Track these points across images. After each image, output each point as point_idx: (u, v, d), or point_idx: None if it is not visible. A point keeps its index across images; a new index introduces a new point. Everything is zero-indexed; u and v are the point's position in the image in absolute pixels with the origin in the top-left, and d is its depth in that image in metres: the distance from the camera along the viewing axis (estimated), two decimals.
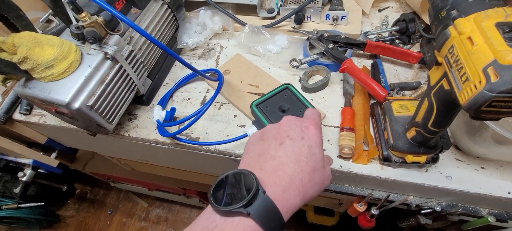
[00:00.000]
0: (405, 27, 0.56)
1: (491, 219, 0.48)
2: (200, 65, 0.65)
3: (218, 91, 0.52)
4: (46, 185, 1.37)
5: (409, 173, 0.46)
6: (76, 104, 0.41)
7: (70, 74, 0.42)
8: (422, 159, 0.42)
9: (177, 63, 0.66)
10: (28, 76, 0.42)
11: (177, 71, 0.65)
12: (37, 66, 0.39)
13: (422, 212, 0.53)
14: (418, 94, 0.52)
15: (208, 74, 0.57)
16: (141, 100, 0.58)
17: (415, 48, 0.59)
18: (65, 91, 0.41)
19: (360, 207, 0.60)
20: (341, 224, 1.25)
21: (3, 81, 0.44)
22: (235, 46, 0.67)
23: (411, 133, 0.41)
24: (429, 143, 0.40)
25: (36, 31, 0.42)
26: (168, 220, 1.49)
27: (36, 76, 0.41)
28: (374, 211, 0.57)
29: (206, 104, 0.51)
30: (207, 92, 0.60)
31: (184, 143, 0.52)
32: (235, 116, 0.56)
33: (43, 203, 1.26)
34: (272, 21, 0.64)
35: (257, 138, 0.33)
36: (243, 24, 0.65)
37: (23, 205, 1.23)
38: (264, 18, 0.66)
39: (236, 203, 0.25)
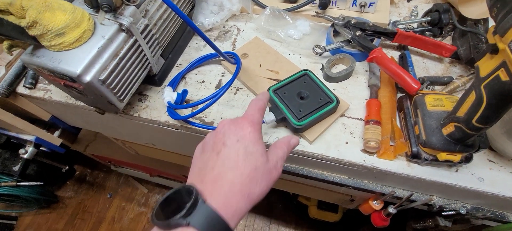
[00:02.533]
0: (438, 18, 0.53)
1: None
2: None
3: (235, 75, 0.49)
4: (45, 164, 1.35)
5: (438, 172, 0.44)
6: (88, 78, 0.38)
7: (82, 44, 0.39)
8: (457, 157, 0.40)
9: (191, 44, 0.63)
10: (36, 43, 0.38)
11: (191, 53, 0.61)
12: (47, 32, 0.36)
13: (443, 213, 0.51)
14: (450, 90, 0.49)
15: (227, 56, 0.54)
16: (153, 80, 0.55)
17: (446, 42, 0.55)
18: (76, 62, 0.38)
19: (376, 205, 0.57)
20: (344, 220, 1.24)
21: (8, 48, 0.40)
22: (253, 30, 0.63)
23: (449, 129, 0.38)
24: (467, 141, 0.37)
25: None
26: None
27: (45, 44, 0.37)
28: (391, 210, 0.55)
29: (222, 89, 0.48)
30: (222, 76, 0.57)
31: (196, 127, 0.49)
32: None
33: (42, 183, 1.24)
34: (294, 4, 0.61)
35: (199, 151, 0.34)
36: (263, 6, 0.61)
37: (22, 184, 1.21)
38: (286, 1, 0.63)
39: (175, 215, 0.25)
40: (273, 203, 1.46)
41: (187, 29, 0.61)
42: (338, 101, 0.47)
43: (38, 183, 1.24)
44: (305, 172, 0.53)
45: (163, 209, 0.27)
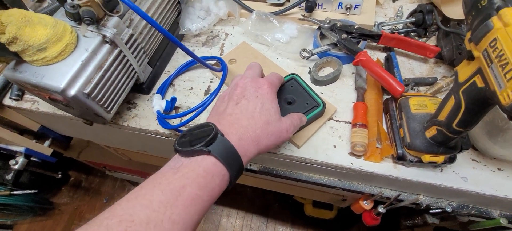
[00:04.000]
0: (422, 19, 0.54)
1: (503, 221, 0.47)
2: (203, 52, 0.61)
3: (222, 83, 0.49)
4: (39, 172, 1.34)
5: (423, 173, 0.44)
6: (72, 92, 0.38)
7: (65, 58, 0.38)
8: (440, 159, 0.40)
9: (179, 50, 0.62)
10: (18, 59, 0.38)
11: (179, 59, 0.61)
12: (28, 48, 0.35)
13: (430, 211, 0.52)
14: (434, 91, 0.49)
15: (212, 63, 0.54)
16: (141, 88, 0.54)
17: (431, 42, 0.56)
18: (59, 76, 0.37)
19: (367, 205, 0.58)
20: (339, 217, 1.25)
21: None
22: (241, 34, 0.63)
23: (431, 132, 0.38)
24: (450, 143, 0.38)
25: (26, 9, 0.38)
26: None
27: (27, 59, 0.37)
28: (381, 209, 0.56)
29: (210, 96, 0.48)
30: (211, 82, 0.57)
31: None
32: None
33: (36, 191, 1.23)
34: (281, 8, 0.61)
35: (220, 99, 0.38)
36: (250, 10, 0.61)
37: (15, 192, 1.20)
38: (272, 4, 0.63)
39: (197, 144, 0.29)
40: (269, 202, 1.47)
41: (175, 35, 0.61)
42: (324, 105, 0.47)
43: (32, 191, 1.23)
44: (295, 175, 0.54)
45: (185, 138, 0.31)
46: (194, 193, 0.28)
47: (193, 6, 0.63)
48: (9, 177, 1.25)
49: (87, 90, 0.40)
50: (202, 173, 0.28)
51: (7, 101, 0.58)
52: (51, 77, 0.37)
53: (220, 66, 0.52)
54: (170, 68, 0.60)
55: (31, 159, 0.75)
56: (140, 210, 0.25)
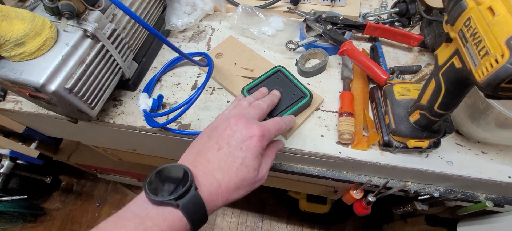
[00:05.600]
0: (405, 9, 0.54)
1: (489, 204, 0.48)
2: (190, 48, 0.61)
3: (208, 78, 0.49)
4: (28, 177, 1.31)
5: (410, 159, 0.45)
6: (53, 87, 0.37)
7: (44, 53, 0.38)
8: (425, 143, 0.41)
9: (165, 46, 0.62)
10: None
11: (166, 55, 0.60)
12: (4, 42, 0.35)
13: (419, 198, 0.53)
14: (419, 78, 0.50)
15: (198, 59, 0.53)
16: (127, 85, 0.54)
17: (415, 31, 0.57)
18: (39, 71, 0.37)
19: (357, 194, 0.58)
20: (333, 211, 1.26)
21: None
22: (227, 28, 0.63)
23: (415, 117, 0.39)
24: (433, 127, 0.39)
25: (3, 4, 0.37)
26: None
27: (5, 54, 0.36)
28: (371, 198, 0.56)
29: (196, 92, 0.47)
30: (198, 76, 0.56)
31: (174, 133, 0.49)
32: (228, 101, 0.53)
33: (26, 196, 1.21)
34: (267, 1, 0.61)
35: (207, 132, 0.35)
36: (236, 4, 0.61)
37: (4, 199, 1.17)
38: None
39: (169, 195, 0.27)
40: (264, 199, 1.47)
41: (161, 31, 0.60)
42: (311, 95, 0.47)
43: (22, 197, 1.20)
44: (285, 167, 0.54)
45: (157, 177, 0.29)
46: None
47: (178, 1, 0.63)
48: None
49: (68, 86, 0.39)
50: (166, 228, 0.27)
51: None
52: (30, 72, 0.37)
53: (206, 61, 0.52)
54: (157, 64, 0.59)
55: (18, 162, 0.73)
56: None
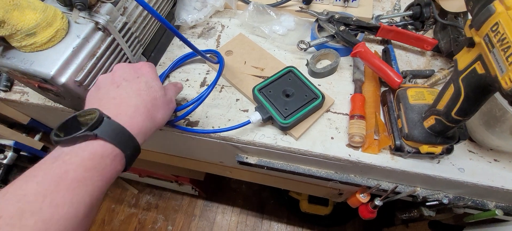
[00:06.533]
0: (419, 12, 0.54)
1: (499, 212, 0.47)
2: (199, 44, 0.60)
3: (218, 75, 0.48)
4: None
5: (421, 164, 0.44)
6: (63, 79, 0.37)
7: (55, 44, 0.37)
8: (438, 149, 0.40)
9: (174, 41, 0.61)
10: (6, 44, 0.36)
11: (175, 50, 0.60)
12: (16, 32, 0.34)
13: (427, 204, 0.52)
14: (431, 83, 0.49)
15: (207, 55, 0.53)
16: None
17: (428, 35, 0.56)
18: (50, 63, 0.36)
19: (363, 198, 0.58)
20: (334, 213, 1.25)
21: None
22: (237, 26, 0.62)
23: (430, 122, 0.38)
24: (448, 133, 0.38)
25: None
26: (158, 207, 1.46)
27: (16, 44, 0.36)
28: (377, 202, 0.56)
29: (206, 90, 0.46)
30: (207, 73, 0.56)
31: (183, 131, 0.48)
32: (237, 100, 0.52)
33: None
34: (278, 0, 0.60)
35: (93, 90, 0.35)
36: (247, 2, 0.60)
37: None
38: None
39: (80, 131, 0.26)
40: (264, 198, 1.47)
41: None
42: (323, 97, 0.47)
43: None
44: (292, 168, 0.54)
45: (64, 127, 0.27)
46: (80, 175, 0.25)
47: None
48: None
49: (78, 78, 0.38)
50: (88, 155, 0.26)
51: None
52: (40, 63, 0.36)
53: (216, 58, 0.51)
54: (165, 60, 0.58)
55: (21, 153, 0.73)
56: (11, 204, 0.22)
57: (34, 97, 0.55)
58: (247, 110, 0.51)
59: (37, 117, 0.67)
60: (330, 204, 1.23)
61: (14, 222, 0.21)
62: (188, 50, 0.59)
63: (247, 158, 0.56)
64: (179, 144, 0.61)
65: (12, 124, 0.69)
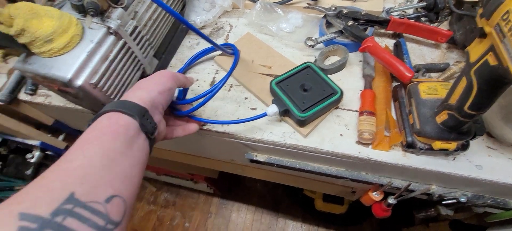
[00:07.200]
0: (433, 3, 0.51)
1: None
2: (209, 45, 0.61)
3: (234, 65, 0.48)
4: None
5: (435, 161, 0.43)
6: (79, 82, 0.39)
7: (71, 49, 0.39)
8: (452, 145, 0.39)
9: (184, 43, 0.63)
10: (27, 51, 0.39)
11: (185, 51, 0.61)
12: (35, 39, 0.36)
13: (443, 202, 0.50)
14: (446, 76, 0.47)
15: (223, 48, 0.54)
16: None
17: (443, 27, 0.54)
18: (66, 67, 0.38)
19: (376, 196, 0.56)
20: (350, 212, 1.23)
21: (3, 56, 0.42)
22: (245, 25, 0.63)
23: (442, 117, 0.37)
24: (462, 128, 0.36)
25: (33, 2, 0.39)
26: (176, 204, 1.50)
27: (36, 51, 0.38)
28: (391, 200, 0.54)
29: (219, 83, 0.46)
30: (216, 73, 0.57)
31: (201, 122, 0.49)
32: (246, 98, 0.53)
33: None
34: None
35: None
36: (254, 1, 0.61)
37: None
38: None
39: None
40: (279, 197, 1.47)
41: (180, 28, 0.61)
42: (342, 92, 0.46)
43: None
44: (302, 166, 0.53)
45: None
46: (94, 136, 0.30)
47: None
48: (28, 172, 1.31)
49: (93, 81, 0.40)
50: (99, 128, 0.31)
51: (22, 96, 0.61)
52: (58, 68, 0.38)
53: (232, 50, 0.52)
54: (176, 61, 0.60)
55: (47, 152, 0.78)
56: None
57: (56, 100, 0.58)
58: (255, 109, 0.51)
59: (60, 118, 0.71)
60: (346, 202, 1.21)
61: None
62: (197, 50, 0.60)
63: (256, 155, 0.56)
64: (193, 142, 0.62)
65: (38, 125, 0.74)
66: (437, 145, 0.39)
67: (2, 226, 0.21)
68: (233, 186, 1.52)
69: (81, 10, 0.40)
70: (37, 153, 0.76)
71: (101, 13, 0.41)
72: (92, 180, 0.27)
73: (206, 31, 0.63)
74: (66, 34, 0.38)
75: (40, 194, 0.24)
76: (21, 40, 0.36)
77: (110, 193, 0.27)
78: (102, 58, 0.41)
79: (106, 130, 0.31)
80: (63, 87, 0.41)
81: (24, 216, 0.22)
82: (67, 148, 0.80)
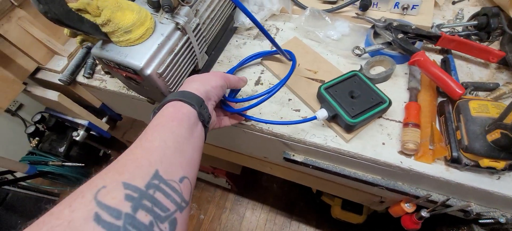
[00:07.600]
0: (486, 22, 0.52)
1: None
2: (254, 46, 0.64)
3: (291, 72, 0.49)
4: (86, 148, 1.47)
5: (478, 179, 0.43)
6: (148, 71, 0.43)
7: (144, 40, 0.43)
8: (500, 164, 0.39)
9: (231, 41, 0.66)
10: (105, 39, 0.43)
11: (231, 49, 0.64)
12: (117, 29, 0.40)
13: (480, 221, 0.50)
14: (495, 97, 0.48)
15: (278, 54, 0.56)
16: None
17: (493, 46, 0.54)
18: (140, 56, 0.42)
19: (408, 208, 0.57)
20: (368, 223, 1.22)
21: (80, 42, 0.46)
22: (291, 29, 0.65)
23: (494, 135, 0.38)
24: None
25: None
26: (193, 196, 1.55)
27: (114, 39, 0.42)
28: (424, 213, 0.55)
29: (276, 86, 0.46)
30: (261, 73, 0.59)
31: (251, 120, 0.52)
32: (289, 100, 0.55)
33: (83, 164, 1.36)
34: (334, 6, 0.62)
35: None
36: (303, 7, 0.63)
37: (66, 164, 1.33)
38: (325, 2, 0.64)
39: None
40: (295, 200, 1.48)
41: (229, 27, 0.65)
42: (390, 102, 0.47)
43: (80, 164, 1.35)
44: (338, 170, 0.55)
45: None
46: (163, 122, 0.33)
47: (247, 0, 0.66)
48: (62, 149, 1.39)
49: (160, 71, 0.44)
50: (166, 114, 0.34)
51: (80, 78, 0.66)
52: (132, 56, 0.42)
53: (289, 57, 0.55)
54: (223, 58, 0.63)
55: (91, 132, 0.83)
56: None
57: (112, 84, 0.63)
58: (299, 110, 0.54)
59: (108, 102, 0.76)
60: (365, 212, 1.20)
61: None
62: (243, 50, 0.63)
63: (293, 155, 0.58)
64: (231, 135, 0.65)
65: (86, 106, 0.79)
66: (485, 162, 0.40)
67: (112, 191, 0.24)
68: (250, 184, 1.55)
69: (156, 6, 0.44)
70: (82, 132, 0.82)
71: (172, 10, 0.44)
72: (168, 160, 0.30)
73: (253, 33, 0.66)
74: (142, 26, 0.42)
75: (133, 168, 0.27)
76: (105, 29, 0.40)
77: (181, 174, 0.30)
78: (168, 51, 0.45)
79: (173, 116, 0.34)
80: (132, 75, 0.45)
81: (127, 186, 0.25)
82: (109, 129, 0.85)
